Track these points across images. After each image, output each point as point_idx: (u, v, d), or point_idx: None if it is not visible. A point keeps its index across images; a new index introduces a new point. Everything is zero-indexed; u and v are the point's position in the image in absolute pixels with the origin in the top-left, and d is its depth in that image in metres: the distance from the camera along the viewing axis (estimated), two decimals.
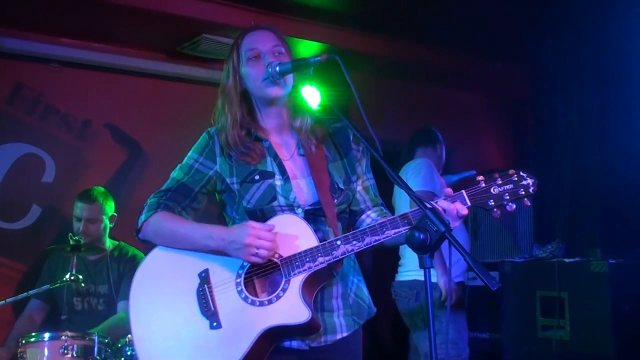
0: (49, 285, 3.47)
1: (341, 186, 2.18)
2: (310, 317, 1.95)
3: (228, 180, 2.17)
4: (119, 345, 3.31)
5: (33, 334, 3.31)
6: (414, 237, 1.73)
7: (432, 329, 1.73)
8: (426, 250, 1.73)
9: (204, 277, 2.09)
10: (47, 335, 3.27)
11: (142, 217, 2.17)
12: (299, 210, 2.11)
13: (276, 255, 2.04)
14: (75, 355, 3.21)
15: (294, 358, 2.07)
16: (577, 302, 3.93)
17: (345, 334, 2.13)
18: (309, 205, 2.12)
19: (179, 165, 2.27)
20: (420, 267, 1.76)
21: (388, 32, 5.09)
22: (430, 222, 1.73)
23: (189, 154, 2.26)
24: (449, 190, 2.02)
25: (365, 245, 2.00)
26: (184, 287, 2.10)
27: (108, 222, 3.91)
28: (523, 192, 1.98)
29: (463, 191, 2.01)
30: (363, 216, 2.25)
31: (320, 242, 2.03)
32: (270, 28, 2.26)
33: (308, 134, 2.22)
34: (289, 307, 1.97)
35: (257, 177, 2.13)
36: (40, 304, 3.88)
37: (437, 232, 1.71)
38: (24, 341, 3.26)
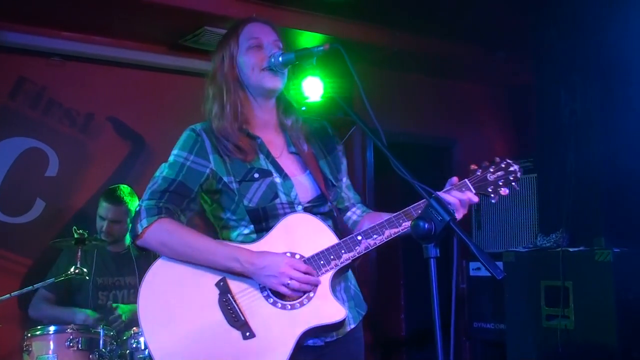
0: (53, 278, 3.48)
1: (334, 183, 2.20)
2: (346, 314, 1.98)
3: (226, 178, 2.09)
4: (124, 338, 3.32)
5: (39, 327, 3.32)
6: (419, 226, 1.72)
7: (437, 317, 1.72)
8: (431, 240, 1.73)
9: (223, 287, 2.00)
10: (52, 328, 3.28)
11: (144, 223, 2.01)
12: (299, 208, 2.10)
13: (298, 257, 2.02)
14: (80, 348, 3.22)
15: (310, 356, 2.06)
16: (581, 291, 3.92)
17: (353, 326, 2.15)
18: (308, 202, 2.12)
19: (164, 165, 2.13)
20: (425, 257, 1.75)
21: (389, 23, 5.07)
22: (434, 212, 1.72)
23: (174, 152, 2.12)
24: (455, 179, 2.09)
25: (386, 238, 2.04)
26: (202, 299, 1.99)
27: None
28: (512, 177, 2.13)
29: (466, 180, 2.10)
30: (349, 213, 2.29)
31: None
32: (270, 23, 2.23)
33: (298, 131, 2.21)
34: (323, 306, 1.98)
35: (256, 176, 2.08)
36: (47, 294, 3.87)
37: (442, 221, 1.71)
38: (29, 334, 3.27)
